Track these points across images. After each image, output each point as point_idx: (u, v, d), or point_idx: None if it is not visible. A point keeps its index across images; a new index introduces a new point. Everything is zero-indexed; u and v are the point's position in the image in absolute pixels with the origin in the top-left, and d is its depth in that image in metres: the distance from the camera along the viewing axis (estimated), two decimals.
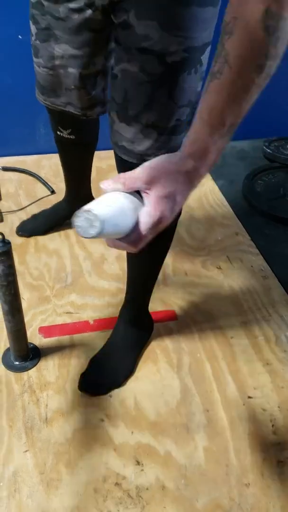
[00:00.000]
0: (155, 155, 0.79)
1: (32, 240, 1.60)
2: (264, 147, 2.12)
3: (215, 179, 1.96)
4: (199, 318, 1.37)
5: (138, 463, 1.03)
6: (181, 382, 1.20)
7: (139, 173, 0.60)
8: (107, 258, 1.55)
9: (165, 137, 0.88)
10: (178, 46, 0.78)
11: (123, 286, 1.23)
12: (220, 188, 1.91)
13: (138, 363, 1.23)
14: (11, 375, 1.19)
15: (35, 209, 1.72)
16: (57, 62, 1.02)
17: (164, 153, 0.68)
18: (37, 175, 1.88)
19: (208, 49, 0.83)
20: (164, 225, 0.61)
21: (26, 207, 1.73)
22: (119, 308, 1.28)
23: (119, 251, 1.53)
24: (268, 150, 2.10)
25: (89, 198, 1.63)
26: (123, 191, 0.60)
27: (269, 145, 2.13)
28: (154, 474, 1.01)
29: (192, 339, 1.31)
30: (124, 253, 1.15)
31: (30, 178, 1.89)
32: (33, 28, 1.01)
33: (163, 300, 1.41)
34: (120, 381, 1.18)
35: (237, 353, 1.27)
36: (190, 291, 1.45)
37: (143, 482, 1.00)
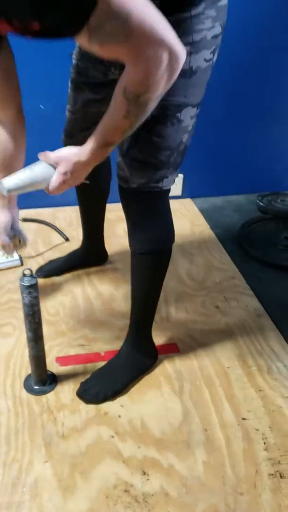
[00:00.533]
0: (141, 184, 1.13)
1: (49, 281, 1.78)
2: (258, 201, 2.33)
3: (213, 228, 2.17)
4: (199, 351, 1.52)
5: (144, 473, 1.16)
6: (183, 406, 1.34)
7: (52, 154, 1.01)
8: (115, 298, 1.72)
9: (148, 170, 1.13)
10: None
11: None
12: (218, 237, 2.11)
13: (134, 384, 1.39)
14: (32, 398, 1.34)
15: (51, 255, 1.92)
16: (78, 106, 1.32)
17: (149, 183, 1.11)
18: (53, 225, 2.08)
19: (188, 109, 1.09)
20: (63, 187, 1.04)
21: (43, 252, 1.92)
22: None
23: (126, 292, 1.71)
24: (261, 204, 2.31)
25: (102, 248, 1.84)
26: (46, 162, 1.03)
27: (262, 199, 2.34)
28: (158, 483, 1.14)
29: (192, 368, 1.46)
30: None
31: (47, 227, 2.10)
32: (69, 83, 1.32)
33: (167, 335, 1.57)
34: (109, 395, 1.34)
35: (233, 381, 1.42)
36: (191, 327, 1.61)
37: (148, 489, 1.13)
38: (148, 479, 1.15)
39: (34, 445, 1.21)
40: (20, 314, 1.58)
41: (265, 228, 2.19)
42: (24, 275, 1.16)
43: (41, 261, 1.88)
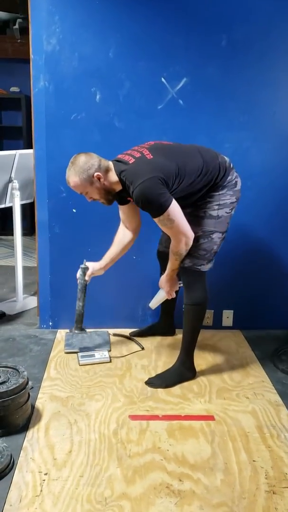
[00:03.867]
0: (189, 265, 2.34)
1: (127, 372, 2.52)
2: None
3: (253, 350, 2.84)
4: (229, 422, 2.14)
5: (180, 480, 1.76)
6: (212, 449, 1.94)
7: (160, 282, 2.49)
8: (176, 388, 2.40)
9: (193, 258, 2.29)
10: (197, 229, 2.25)
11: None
12: (256, 356, 2.77)
13: (177, 384, 2.39)
14: (111, 434, 2.02)
15: (130, 358, 2.68)
16: None
17: (193, 266, 2.36)
18: (134, 338, 2.87)
19: (217, 233, 2.30)
20: (171, 291, 2.50)
21: (126, 355, 2.69)
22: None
23: (182, 386, 2.41)
24: None
25: (171, 325, 2.95)
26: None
27: None
28: (189, 486, 1.74)
29: (222, 431, 2.07)
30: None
31: (129, 341, 2.89)
32: None
33: (208, 411, 2.21)
34: (163, 386, 2.38)
35: (250, 440, 2.01)
36: (226, 408, 2.24)
37: (182, 488, 1.72)
38: (182, 483, 1.75)
39: (110, 458, 1.87)
40: (108, 390, 2.33)
41: None
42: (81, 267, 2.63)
43: (123, 360, 2.64)
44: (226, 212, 2.29)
